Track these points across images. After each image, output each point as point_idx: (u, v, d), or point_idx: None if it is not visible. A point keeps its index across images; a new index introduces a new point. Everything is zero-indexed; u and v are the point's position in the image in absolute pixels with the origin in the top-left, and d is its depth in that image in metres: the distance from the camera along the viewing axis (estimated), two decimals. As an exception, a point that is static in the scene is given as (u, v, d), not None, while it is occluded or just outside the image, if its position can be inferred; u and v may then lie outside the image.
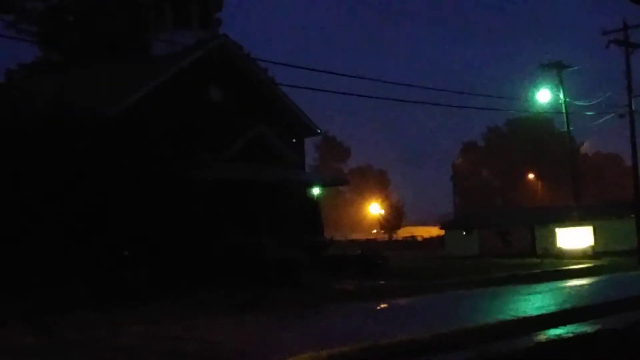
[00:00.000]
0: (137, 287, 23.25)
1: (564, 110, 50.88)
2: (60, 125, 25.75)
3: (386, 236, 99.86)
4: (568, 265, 43.08)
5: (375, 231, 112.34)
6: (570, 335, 16.81)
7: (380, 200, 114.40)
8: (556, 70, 50.47)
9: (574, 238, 50.76)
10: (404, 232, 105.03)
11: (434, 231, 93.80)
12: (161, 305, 21.41)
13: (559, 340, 16.13)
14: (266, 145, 32.41)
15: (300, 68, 28.21)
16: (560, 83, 50.37)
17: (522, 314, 21.42)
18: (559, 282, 34.37)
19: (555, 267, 41.99)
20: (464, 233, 66.78)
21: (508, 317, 20.76)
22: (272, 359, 13.19)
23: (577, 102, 51.04)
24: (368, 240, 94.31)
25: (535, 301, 25.98)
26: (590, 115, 50.97)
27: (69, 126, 25.87)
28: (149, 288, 23.15)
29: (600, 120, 50.43)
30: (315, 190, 35.62)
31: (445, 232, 71.55)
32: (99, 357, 13.93)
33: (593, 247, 50.17)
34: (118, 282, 23.59)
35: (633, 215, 48.34)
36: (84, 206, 25.94)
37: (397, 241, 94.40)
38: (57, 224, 25.37)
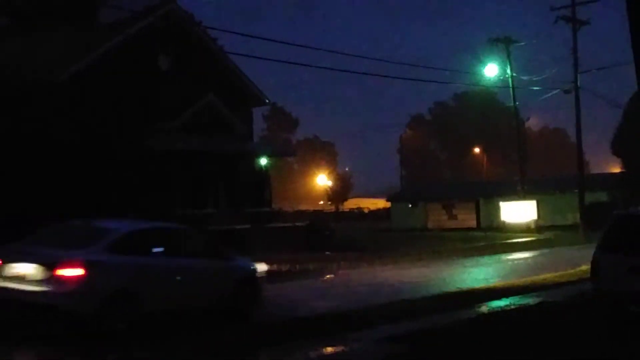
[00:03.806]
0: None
1: (510, 85, 51.32)
2: (5, 90, 25.32)
3: (333, 208, 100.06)
4: (511, 239, 43.66)
5: (322, 203, 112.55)
6: (513, 307, 17.07)
7: (327, 171, 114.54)
8: (504, 45, 50.80)
9: (518, 212, 51.41)
10: (350, 204, 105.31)
11: (381, 203, 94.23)
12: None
13: (501, 312, 16.38)
14: (215, 115, 32.24)
15: (250, 37, 27.99)
16: (508, 58, 50.73)
17: (465, 287, 21.73)
18: (503, 255, 34.86)
19: (498, 241, 42.54)
20: (410, 206, 67.21)
21: (452, 289, 21.06)
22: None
23: (523, 77, 51.52)
24: (315, 211, 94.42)
25: (479, 274, 26.35)
26: (536, 90, 51.48)
27: (14, 92, 25.43)
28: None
29: (547, 96, 50.92)
30: (263, 161, 35.54)
31: (392, 205, 71.91)
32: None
33: (536, 221, 50.86)
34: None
35: (576, 190, 49.05)
36: (25, 175, 25.57)
37: (343, 213, 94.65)
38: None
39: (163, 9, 31.87)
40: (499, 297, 18.46)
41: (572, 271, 24.27)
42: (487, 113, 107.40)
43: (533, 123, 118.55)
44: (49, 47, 30.21)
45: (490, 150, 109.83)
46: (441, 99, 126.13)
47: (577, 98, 47.91)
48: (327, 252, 30.52)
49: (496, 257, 33.76)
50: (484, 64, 51.87)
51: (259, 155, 35.55)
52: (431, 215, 64.56)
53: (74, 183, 26.85)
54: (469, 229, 56.25)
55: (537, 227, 50.29)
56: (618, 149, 64.26)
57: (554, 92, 49.50)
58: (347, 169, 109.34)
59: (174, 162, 29.79)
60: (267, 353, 12.33)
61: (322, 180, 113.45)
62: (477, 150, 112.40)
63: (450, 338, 13.19)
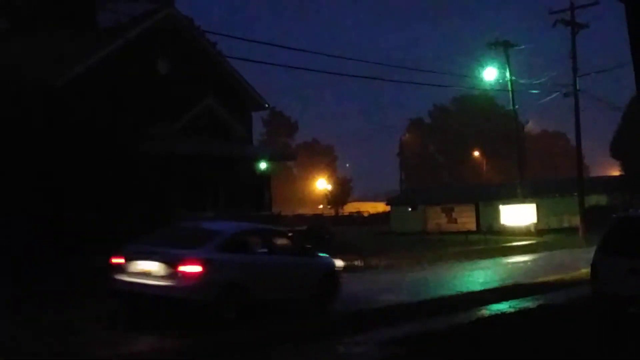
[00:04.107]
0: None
1: (509, 89, 51.36)
2: (3, 93, 25.30)
3: (332, 211, 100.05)
4: (511, 242, 43.66)
5: (321, 206, 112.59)
6: (512, 310, 17.07)
7: (327, 175, 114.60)
8: (503, 48, 50.85)
9: (518, 215, 51.42)
10: (350, 208, 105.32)
11: (380, 207, 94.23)
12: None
13: (501, 315, 16.38)
14: (214, 119, 32.23)
15: (248, 41, 28.09)
16: (507, 61, 50.78)
17: (465, 290, 21.74)
18: (502, 258, 34.84)
19: (498, 244, 42.53)
20: (409, 209, 67.20)
21: (452, 293, 21.06)
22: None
23: (522, 81, 51.58)
24: (314, 215, 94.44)
25: (478, 277, 26.35)
26: (535, 93, 51.51)
27: (12, 95, 25.40)
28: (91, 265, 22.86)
29: (546, 99, 50.94)
30: (262, 165, 35.51)
31: (391, 208, 71.90)
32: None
33: (536, 225, 50.88)
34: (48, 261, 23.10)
35: (576, 194, 49.06)
36: (25, 180, 25.54)
37: (343, 217, 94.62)
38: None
39: (162, 13, 31.84)
40: (498, 300, 18.50)
41: (574, 274, 24.30)
42: (487, 116, 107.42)
43: (532, 126, 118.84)
44: (48, 51, 30.18)
45: (489, 153, 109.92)
46: (440, 102, 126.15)
47: (576, 101, 47.92)
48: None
49: (495, 260, 33.73)
50: (483, 67, 51.94)
51: (258, 159, 35.51)
52: (431, 219, 64.57)
53: (70, 187, 26.81)
54: (469, 232, 56.24)
55: (536, 231, 50.31)
56: (617, 152, 64.37)
57: (553, 95, 49.54)
58: (347, 165, 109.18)
59: (173, 165, 29.77)
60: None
61: (322, 184, 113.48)
62: (476, 153, 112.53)
63: (450, 341, 13.19)
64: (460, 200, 64.98)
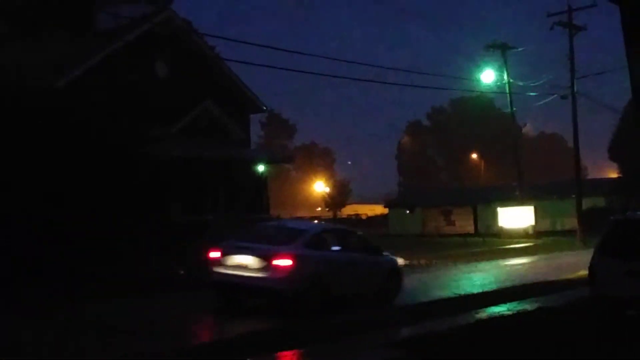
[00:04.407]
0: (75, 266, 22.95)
1: (507, 91, 51.43)
2: (3, 95, 25.28)
3: (331, 214, 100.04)
4: (509, 244, 43.71)
5: (319, 209, 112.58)
6: (510, 312, 17.10)
7: (325, 178, 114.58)
8: (501, 51, 50.94)
9: (516, 217, 51.51)
10: (348, 210, 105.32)
11: (379, 209, 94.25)
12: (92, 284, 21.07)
13: (499, 318, 16.41)
14: (212, 122, 32.24)
15: (247, 44, 28.06)
16: (505, 64, 50.87)
17: (463, 292, 21.78)
18: (500, 260, 34.88)
19: (496, 246, 42.59)
20: (408, 212, 67.29)
21: (450, 295, 21.12)
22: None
23: (520, 83, 51.64)
24: (313, 218, 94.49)
25: (476, 279, 26.39)
26: (533, 96, 51.60)
27: (11, 96, 25.38)
28: (90, 266, 22.87)
29: (544, 101, 51.04)
30: (261, 168, 35.52)
31: (389, 211, 71.96)
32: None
33: (534, 227, 50.93)
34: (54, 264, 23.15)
35: (574, 196, 49.10)
36: (25, 181, 25.53)
37: (341, 219, 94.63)
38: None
39: (161, 16, 31.85)
40: (496, 303, 18.55)
41: (573, 276, 24.37)
42: (484, 119, 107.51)
43: (530, 128, 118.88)
44: (47, 53, 30.18)
45: (487, 156, 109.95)
46: (438, 104, 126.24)
47: (574, 103, 48.03)
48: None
49: (493, 263, 33.78)
50: (480, 70, 52.01)
51: (256, 162, 35.52)
52: (429, 221, 64.66)
53: (69, 188, 26.78)
54: (467, 234, 56.27)
55: (534, 233, 50.37)
56: (615, 154, 64.42)
57: (551, 97, 49.63)
58: (348, 162, 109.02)
59: (171, 168, 29.77)
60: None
61: (320, 186, 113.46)
62: (474, 156, 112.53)
63: (448, 343, 13.22)
64: (458, 203, 65.09)
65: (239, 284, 17.02)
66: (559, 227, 55.36)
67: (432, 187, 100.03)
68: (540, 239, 48.51)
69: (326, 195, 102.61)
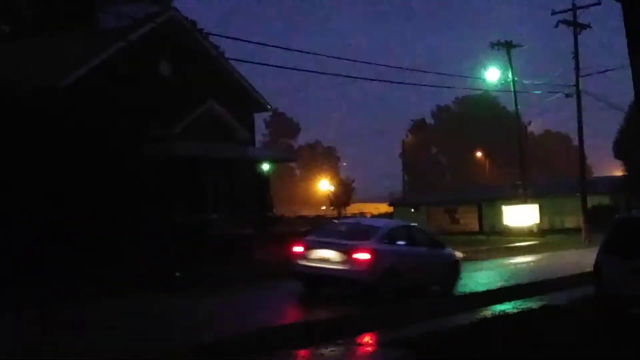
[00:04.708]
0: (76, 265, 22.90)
1: (512, 89, 51.33)
2: (5, 95, 25.23)
3: (335, 213, 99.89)
4: (514, 243, 43.63)
5: (324, 208, 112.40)
6: (515, 311, 17.05)
7: (329, 176, 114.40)
8: (506, 49, 50.84)
9: (521, 216, 51.39)
10: (353, 209, 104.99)
11: (383, 208, 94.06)
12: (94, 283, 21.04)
13: (504, 316, 16.36)
14: (216, 121, 32.22)
15: (250, 42, 28.12)
16: (509, 62, 50.78)
17: (468, 290, 21.76)
18: (505, 259, 34.82)
19: (501, 245, 42.50)
20: (412, 210, 67.24)
21: (455, 293, 21.13)
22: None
23: (525, 81, 51.57)
24: (317, 216, 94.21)
25: (481, 278, 26.33)
26: (538, 94, 51.50)
27: (12, 97, 25.33)
28: (90, 266, 22.80)
29: (548, 100, 50.98)
30: (265, 167, 35.53)
31: (394, 209, 71.92)
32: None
33: (539, 225, 50.83)
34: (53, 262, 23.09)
35: (578, 194, 48.99)
36: (26, 181, 25.48)
37: (346, 218, 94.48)
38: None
39: (164, 16, 31.85)
40: (501, 301, 18.52)
41: (577, 274, 24.30)
42: (489, 117, 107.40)
43: (535, 127, 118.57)
44: (50, 53, 30.20)
45: (492, 154, 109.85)
46: (443, 103, 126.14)
47: (578, 101, 47.92)
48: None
49: (498, 261, 33.71)
50: (485, 68, 51.92)
51: (260, 161, 35.53)
52: (433, 220, 64.58)
53: (71, 188, 26.71)
54: (472, 232, 56.18)
55: (539, 231, 50.26)
56: (620, 152, 64.19)
57: (556, 95, 49.53)
58: (344, 164, 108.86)
59: (175, 167, 29.75)
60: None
61: (324, 185, 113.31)
62: (479, 154, 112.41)
63: (451, 341, 13.17)
64: (462, 201, 65.07)
65: (323, 275, 19.06)
66: (563, 226, 55.25)
67: (436, 186, 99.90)
68: (545, 237, 48.39)
69: (330, 194, 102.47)
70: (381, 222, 23.68)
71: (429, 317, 16.13)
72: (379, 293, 18.59)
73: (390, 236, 20.18)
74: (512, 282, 23.89)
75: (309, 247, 19.73)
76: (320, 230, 21.79)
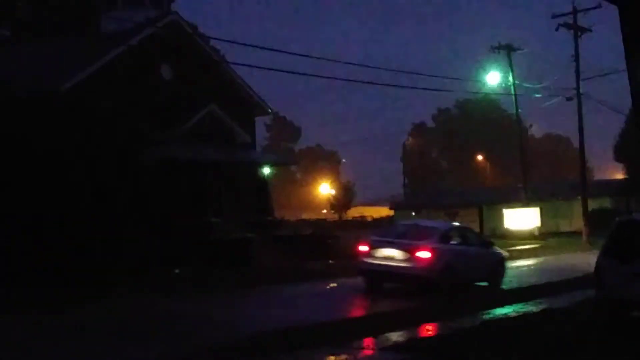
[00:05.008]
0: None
1: (513, 92, 51.29)
2: (5, 99, 25.25)
3: (336, 216, 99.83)
4: (515, 246, 43.60)
5: (325, 211, 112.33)
6: (516, 314, 17.07)
7: (330, 180, 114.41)
8: (506, 52, 50.80)
9: (521, 219, 51.32)
10: (354, 212, 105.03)
11: (384, 211, 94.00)
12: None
13: (505, 319, 16.38)
14: (217, 124, 32.24)
15: (251, 46, 28.11)
16: (510, 65, 50.74)
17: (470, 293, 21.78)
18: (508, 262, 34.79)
19: (502, 248, 42.45)
20: (413, 213, 67.14)
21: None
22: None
23: (526, 85, 51.50)
24: (318, 220, 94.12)
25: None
26: (539, 97, 51.46)
27: (15, 101, 25.36)
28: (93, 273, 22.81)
29: (549, 103, 50.93)
30: (266, 170, 35.57)
31: (395, 213, 71.86)
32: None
33: (540, 228, 50.78)
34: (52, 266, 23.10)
35: (579, 197, 48.97)
36: (27, 184, 25.47)
37: (347, 221, 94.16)
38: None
39: (165, 20, 31.92)
40: (502, 304, 18.52)
41: (578, 277, 24.33)
42: (490, 120, 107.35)
43: (536, 130, 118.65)
44: (51, 57, 30.24)
45: (493, 157, 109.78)
46: (444, 106, 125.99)
47: (579, 105, 47.89)
48: (331, 261, 30.47)
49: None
50: (486, 71, 51.88)
51: (261, 165, 35.56)
52: (434, 223, 64.37)
53: (70, 191, 26.69)
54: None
55: (540, 234, 50.21)
56: (621, 155, 64.28)
57: (557, 99, 49.51)
58: (343, 160, 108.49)
59: (176, 171, 29.76)
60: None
61: (325, 189, 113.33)
62: (479, 157, 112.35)
63: (452, 345, 13.19)
64: (463, 204, 64.91)
65: (387, 272, 20.87)
66: (565, 229, 55.21)
67: (437, 189, 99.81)
68: (546, 240, 48.34)
69: (331, 198, 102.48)
70: (439, 224, 26.20)
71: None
72: (438, 288, 20.19)
73: (447, 236, 22.16)
74: (506, 286, 23.90)
75: (374, 246, 21.51)
76: (382, 230, 25.96)
